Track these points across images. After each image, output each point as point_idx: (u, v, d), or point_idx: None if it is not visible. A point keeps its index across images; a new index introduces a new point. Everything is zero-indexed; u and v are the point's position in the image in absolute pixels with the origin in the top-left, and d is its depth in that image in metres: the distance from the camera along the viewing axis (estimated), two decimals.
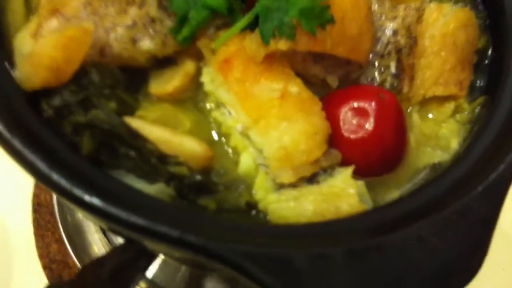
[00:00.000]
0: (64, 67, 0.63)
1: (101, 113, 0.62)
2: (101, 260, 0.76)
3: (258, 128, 0.64)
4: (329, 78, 0.73)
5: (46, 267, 1.05)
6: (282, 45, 0.65)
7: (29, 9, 0.71)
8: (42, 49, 0.62)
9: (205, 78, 0.71)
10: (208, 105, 0.72)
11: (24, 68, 0.63)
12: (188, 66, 0.72)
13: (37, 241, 1.09)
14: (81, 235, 1.06)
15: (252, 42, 0.67)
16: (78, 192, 0.51)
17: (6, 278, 1.07)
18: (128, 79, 0.68)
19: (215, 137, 0.70)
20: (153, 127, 0.63)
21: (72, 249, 1.05)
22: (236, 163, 0.67)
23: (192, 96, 0.72)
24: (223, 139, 0.70)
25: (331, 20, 0.66)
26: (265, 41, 0.65)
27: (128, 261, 0.76)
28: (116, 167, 0.61)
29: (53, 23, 0.66)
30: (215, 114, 0.70)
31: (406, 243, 0.56)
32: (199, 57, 0.72)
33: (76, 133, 0.61)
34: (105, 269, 0.73)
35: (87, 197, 0.51)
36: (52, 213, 1.09)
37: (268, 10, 0.65)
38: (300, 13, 0.64)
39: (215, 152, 0.67)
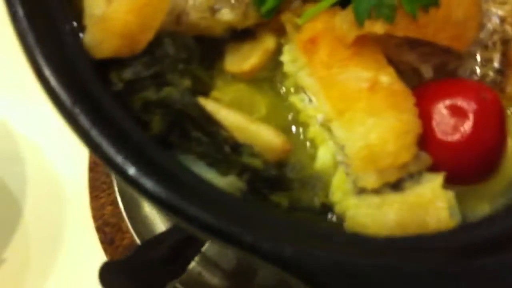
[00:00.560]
0: (138, 35, 0.58)
1: (175, 90, 0.57)
2: (158, 238, 0.74)
3: (342, 121, 0.58)
4: (423, 68, 0.65)
5: (99, 230, 1.03)
6: (378, 27, 0.58)
7: None
8: (115, 13, 0.58)
9: (286, 57, 0.64)
10: (286, 88, 0.65)
11: (94, 33, 0.58)
12: (269, 42, 0.65)
13: (91, 201, 1.06)
14: (134, 199, 1.03)
15: (343, 21, 0.60)
16: (147, 183, 0.47)
17: (58, 237, 1.06)
18: (202, 52, 0.63)
19: (291, 125, 0.64)
20: (229, 112, 0.57)
21: (126, 213, 1.02)
22: (312, 157, 0.61)
23: (269, 76, 0.66)
24: (300, 128, 0.63)
25: (436, 3, 0.59)
26: (359, 21, 0.58)
27: (186, 239, 0.74)
28: (186, 152, 0.56)
29: None
30: (293, 99, 0.64)
31: (503, 270, 0.50)
32: (280, 32, 0.66)
33: (146, 110, 0.56)
34: (163, 248, 0.71)
35: (160, 193, 0.46)
36: (108, 174, 1.06)
37: None
38: None
39: (291, 143, 0.61)
